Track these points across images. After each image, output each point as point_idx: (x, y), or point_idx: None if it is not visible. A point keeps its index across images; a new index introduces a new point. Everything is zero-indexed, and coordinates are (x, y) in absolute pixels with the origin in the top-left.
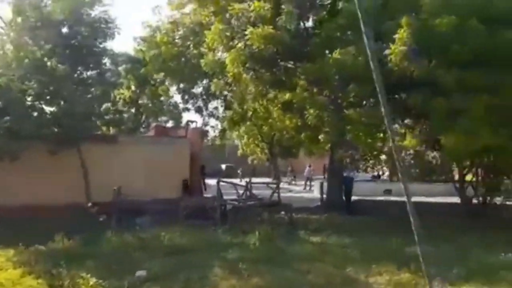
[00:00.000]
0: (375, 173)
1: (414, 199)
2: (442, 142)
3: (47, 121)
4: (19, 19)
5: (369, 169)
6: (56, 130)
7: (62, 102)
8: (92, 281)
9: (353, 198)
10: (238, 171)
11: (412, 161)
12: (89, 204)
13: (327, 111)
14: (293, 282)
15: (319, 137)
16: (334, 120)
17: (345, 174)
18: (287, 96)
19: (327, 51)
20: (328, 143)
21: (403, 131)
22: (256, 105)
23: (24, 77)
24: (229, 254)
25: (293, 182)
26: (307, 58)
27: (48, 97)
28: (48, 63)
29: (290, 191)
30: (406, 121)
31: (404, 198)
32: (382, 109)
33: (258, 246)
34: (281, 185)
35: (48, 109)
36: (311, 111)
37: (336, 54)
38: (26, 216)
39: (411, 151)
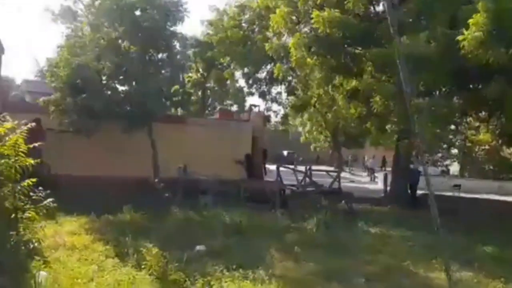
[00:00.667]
0: (444, 168)
1: (484, 196)
2: None
3: (120, 100)
4: (96, 3)
5: (438, 163)
6: (128, 108)
7: (134, 83)
8: (154, 250)
9: (419, 192)
10: (295, 158)
11: (485, 157)
12: (156, 180)
13: (394, 99)
14: (349, 270)
15: (386, 127)
16: (401, 108)
17: (411, 167)
18: (354, 83)
19: (399, 38)
20: (395, 134)
21: (477, 124)
22: (320, 92)
23: (100, 57)
24: (286, 237)
25: (373, 175)
26: (375, 43)
27: (121, 77)
28: (122, 45)
29: (352, 181)
30: (480, 114)
31: (474, 195)
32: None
33: (316, 232)
34: (343, 174)
35: (121, 88)
36: (377, 99)
37: (405, 40)
38: (98, 187)
39: (486, 146)
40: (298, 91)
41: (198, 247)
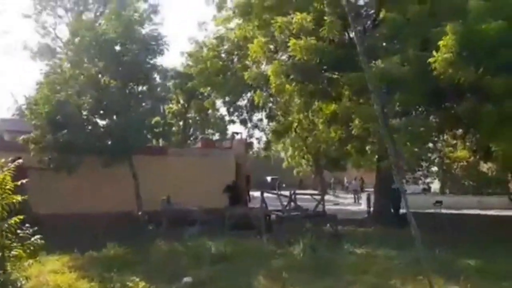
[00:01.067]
0: (425, 186)
1: (465, 211)
2: (493, 150)
3: (101, 134)
4: (75, 40)
5: (419, 181)
6: (109, 143)
7: (114, 116)
8: (141, 285)
9: (402, 210)
10: (277, 184)
11: (464, 173)
12: (140, 213)
13: (373, 121)
14: None
15: (366, 148)
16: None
17: (393, 186)
18: (332, 107)
19: (373, 61)
20: (375, 155)
21: (454, 141)
22: (300, 117)
23: (80, 92)
24: (273, 263)
25: (357, 196)
26: (351, 68)
27: (101, 112)
28: (102, 80)
29: (337, 204)
30: (457, 131)
31: (455, 211)
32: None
33: (303, 256)
34: (327, 197)
35: (101, 122)
36: (356, 122)
37: (380, 63)
38: (81, 224)
39: (464, 162)
40: (279, 117)
41: (185, 279)
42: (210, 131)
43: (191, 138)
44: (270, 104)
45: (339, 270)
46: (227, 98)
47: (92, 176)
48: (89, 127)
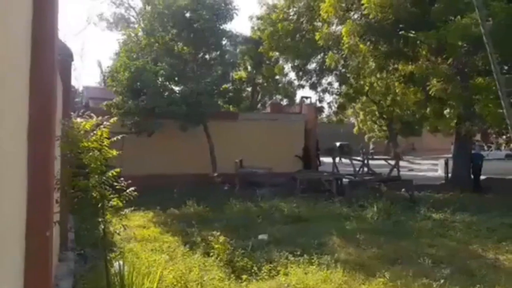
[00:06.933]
0: (510, 151)
1: None
2: None
3: (177, 99)
4: (148, 8)
5: (503, 146)
6: (184, 108)
7: (188, 83)
8: (221, 239)
9: (482, 176)
10: (347, 150)
11: None
12: (215, 175)
13: (452, 81)
14: (414, 253)
15: (444, 112)
16: (460, 90)
17: (473, 151)
18: (409, 67)
19: (451, 17)
20: (454, 118)
21: None
22: (373, 79)
23: (156, 60)
24: (346, 225)
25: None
26: (429, 25)
27: (176, 78)
28: (175, 47)
29: (411, 169)
30: None
31: None
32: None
33: (376, 219)
34: (401, 163)
35: (176, 88)
36: (435, 82)
37: (460, 20)
38: (160, 184)
39: None
40: (350, 80)
41: (260, 236)
42: (279, 96)
43: (260, 104)
44: (341, 67)
45: (415, 234)
46: (296, 62)
47: (170, 140)
48: (166, 93)
